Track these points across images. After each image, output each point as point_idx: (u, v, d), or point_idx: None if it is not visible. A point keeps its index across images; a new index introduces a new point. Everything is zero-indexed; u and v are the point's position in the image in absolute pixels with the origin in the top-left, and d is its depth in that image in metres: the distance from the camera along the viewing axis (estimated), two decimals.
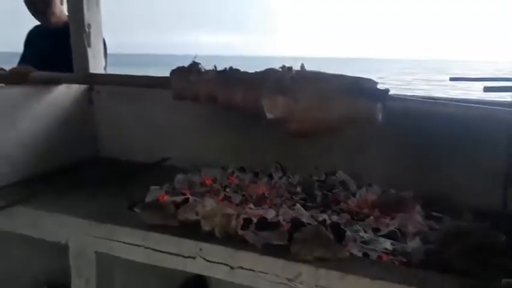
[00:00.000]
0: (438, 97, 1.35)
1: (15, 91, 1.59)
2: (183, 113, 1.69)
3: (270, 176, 1.54)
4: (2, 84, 1.71)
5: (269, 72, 1.27)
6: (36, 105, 1.61)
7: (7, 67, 1.88)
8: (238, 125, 1.63)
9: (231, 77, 1.31)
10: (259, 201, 1.36)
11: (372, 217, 1.23)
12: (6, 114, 1.52)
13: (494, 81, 1.22)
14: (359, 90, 1.13)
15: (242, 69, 1.36)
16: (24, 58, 2.24)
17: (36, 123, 1.61)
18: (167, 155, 1.76)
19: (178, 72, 1.39)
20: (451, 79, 1.27)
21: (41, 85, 1.65)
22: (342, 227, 1.11)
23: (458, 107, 1.27)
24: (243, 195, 1.39)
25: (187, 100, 1.41)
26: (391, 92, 1.19)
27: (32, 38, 2.27)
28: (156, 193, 1.34)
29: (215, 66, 1.38)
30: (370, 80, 1.17)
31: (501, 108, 1.28)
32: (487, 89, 1.22)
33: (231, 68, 1.36)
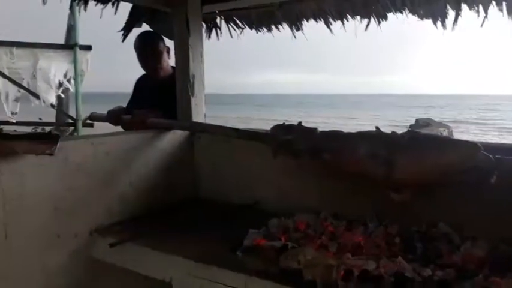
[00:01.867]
0: None
1: (132, 137, 1.78)
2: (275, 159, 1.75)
3: (365, 225, 1.52)
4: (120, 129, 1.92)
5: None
6: (149, 149, 1.78)
7: (103, 106, 2.09)
8: (332, 172, 1.65)
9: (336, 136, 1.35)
10: (355, 250, 1.34)
11: (481, 275, 1.15)
12: (122, 159, 1.70)
13: None
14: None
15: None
16: (134, 103, 2.48)
17: (146, 165, 1.78)
18: (259, 196, 1.81)
19: (278, 128, 1.47)
20: None
21: (155, 130, 1.82)
22: (451, 284, 1.06)
23: None
24: (338, 244, 1.38)
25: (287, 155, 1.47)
26: None
27: (141, 86, 2.51)
28: (253, 236, 1.39)
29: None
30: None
31: None
32: None
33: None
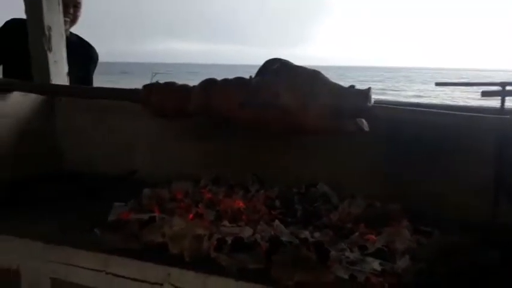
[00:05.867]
0: (425, 103, 1.28)
1: None
2: (152, 123, 1.56)
3: (247, 189, 1.43)
4: None
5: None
6: None
7: None
8: (212, 134, 1.52)
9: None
10: (235, 216, 1.25)
11: (357, 233, 1.13)
12: None
13: (482, 86, 1.15)
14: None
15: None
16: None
17: None
18: (135, 166, 1.63)
19: (158, 88, 1.28)
20: (437, 84, 1.21)
21: None
22: (326, 246, 1.01)
23: (444, 115, 1.21)
24: (217, 211, 1.27)
25: (169, 116, 1.30)
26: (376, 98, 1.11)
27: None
28: (119, 211, 1.21)
29: None
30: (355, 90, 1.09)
31: (488, 115, 1.22)
32: (438, 84, 1.26)
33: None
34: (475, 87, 1.21)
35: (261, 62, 1.19)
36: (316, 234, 1.12)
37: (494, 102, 1.24)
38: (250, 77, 1.22)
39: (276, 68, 1.10)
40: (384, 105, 1.16)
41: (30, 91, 1.52)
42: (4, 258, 1.18)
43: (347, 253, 1.01)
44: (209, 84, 1.22)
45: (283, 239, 1.03)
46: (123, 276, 1.04)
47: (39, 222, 1.24)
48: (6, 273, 1.19)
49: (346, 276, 0.95)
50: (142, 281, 1.02)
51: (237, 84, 1.16)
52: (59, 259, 1.11)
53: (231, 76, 1.26)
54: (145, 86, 1.32)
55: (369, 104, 1.06)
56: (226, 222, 1.17)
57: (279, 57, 1.16)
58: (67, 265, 1.10)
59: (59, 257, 1.10)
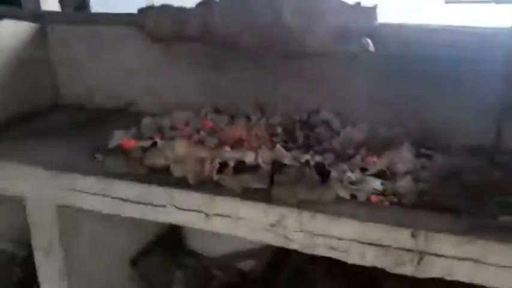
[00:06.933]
0: (429, 24, 1.23)
1: None
2: (149, 52, 1.51)
3: (248, 118, 1.42)
4: None
5: None
6: None
7: None
8: (212, 62, 1.48)
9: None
10: (236, 144, 1.25)
11: (358, 156, 1.13)
12: None
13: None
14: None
15: None
16: None
17: None
18: (134, 96, 1.60)
19: (154, 11, 1.22)
20: (447, 1, 1.15)
21: None
22: (327, 167, 1.02)
23: (450, 34, 1.15)
24: (219, 139, 1.27)
25: (166, 41, 1.25)
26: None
27: None
28: (120, 138, 1.21)
29: None
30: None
31: (497, 33, 1.17)
32: (448, 1, 1.21)
33: None
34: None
35: None
36: (318, 158, 1.12)
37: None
38: None
39: None
40: (389, 24, 1.10)
41: (21, 19, 1.45)
42: (11, 185, 1.19)
43: (348, 174, 1.01)
44: (208, 5, 1.16)
45: (285, 161, 1.03)
46: (127, 200, 1.06)
47: (42, 152, 1.24)
48: (12, 200, 1.21)
49: (347, 196, 0.96)
50: (146, 204, 1.04)
51: (238, 3, 1.10)
52: (63, 185, 1.12)
53: None
54: (139, 10, 1.26)
55: (375, 22, 1.01)
56: (228, 148, 1.17)
57: None
58: (72, 191, 1.11)
59: (63, 183, 1.11)
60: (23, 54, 1.55)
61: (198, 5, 1.21)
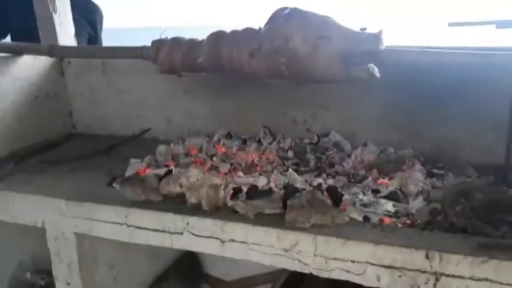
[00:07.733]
0: (434, 46, 1.25)
1: None
2: (160, 81, 1.57)
3: (259, 142, 1.45)
4: None
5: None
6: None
7: None
8: (221, 90, 1.52)
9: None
10: (249, 169, 1.27)
11: (370, 178, 1.14)
12: None
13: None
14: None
15: None
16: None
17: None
18: (147, 125, 1.64)
19: (166, 44, 1.27)
20: (450, 24, 1.17)
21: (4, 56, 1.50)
22: (339, 190, 1.03)
23: (456, 55, 1.17)
24: (231, 164, 1.30)
25: (179, 71, 1.30)
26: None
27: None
28: (136, 166, 1.24)
29: None
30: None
31: (503, 52, 1.18)
32: (451, 24, 1.20)
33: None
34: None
35: None
36: (330, 181, 1.13)
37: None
38: (260, 28, 1.20)
39: (287, 13, 1.08)
40: (394, 48, 1.13)
41: (40, 54, 1.52)
42: (31, 216, 1.22)
43: (360, 196, 1.03)
44: (218, 36, 1.20)
45: (298, 185, 1.05)
46: (144, 228, 1.08)
47: (60, 181, 1.27)
48: (34, 229, 1.24)
49: (360, 218, 0.97)
50: (163, 231, 1.06)
51: (247, 33, 1.14)
52: (81, 215, 1.15)
53: None
54: (153, 42, 1.31)
55: (380, 47, 1.04)
56: (240, 173, 1.19)
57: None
58: (90, 220, 1.14)
59: (82, 212, 1.14)
60: (41, 86, 1.61)
61: (210, 35, 1.25)
